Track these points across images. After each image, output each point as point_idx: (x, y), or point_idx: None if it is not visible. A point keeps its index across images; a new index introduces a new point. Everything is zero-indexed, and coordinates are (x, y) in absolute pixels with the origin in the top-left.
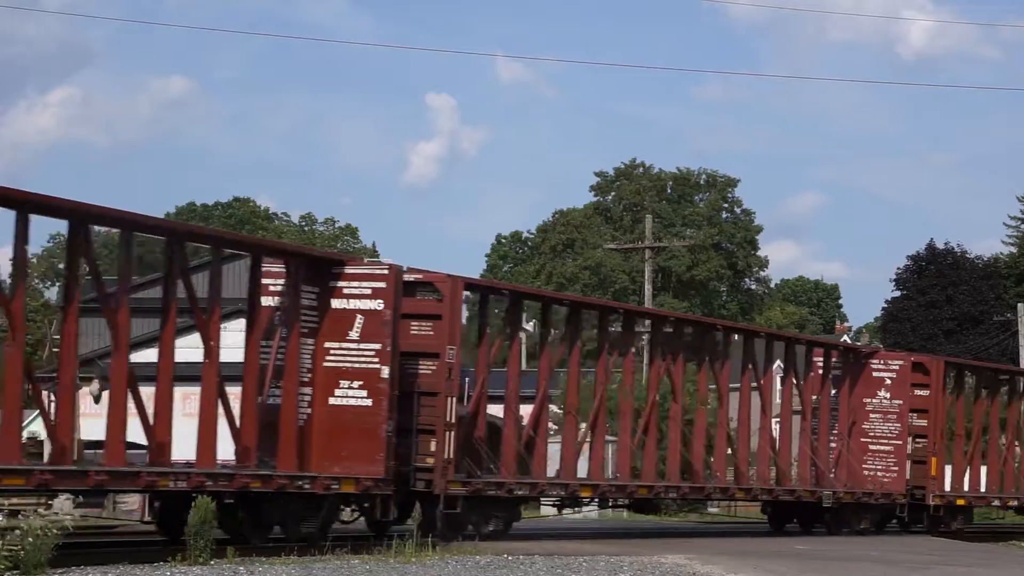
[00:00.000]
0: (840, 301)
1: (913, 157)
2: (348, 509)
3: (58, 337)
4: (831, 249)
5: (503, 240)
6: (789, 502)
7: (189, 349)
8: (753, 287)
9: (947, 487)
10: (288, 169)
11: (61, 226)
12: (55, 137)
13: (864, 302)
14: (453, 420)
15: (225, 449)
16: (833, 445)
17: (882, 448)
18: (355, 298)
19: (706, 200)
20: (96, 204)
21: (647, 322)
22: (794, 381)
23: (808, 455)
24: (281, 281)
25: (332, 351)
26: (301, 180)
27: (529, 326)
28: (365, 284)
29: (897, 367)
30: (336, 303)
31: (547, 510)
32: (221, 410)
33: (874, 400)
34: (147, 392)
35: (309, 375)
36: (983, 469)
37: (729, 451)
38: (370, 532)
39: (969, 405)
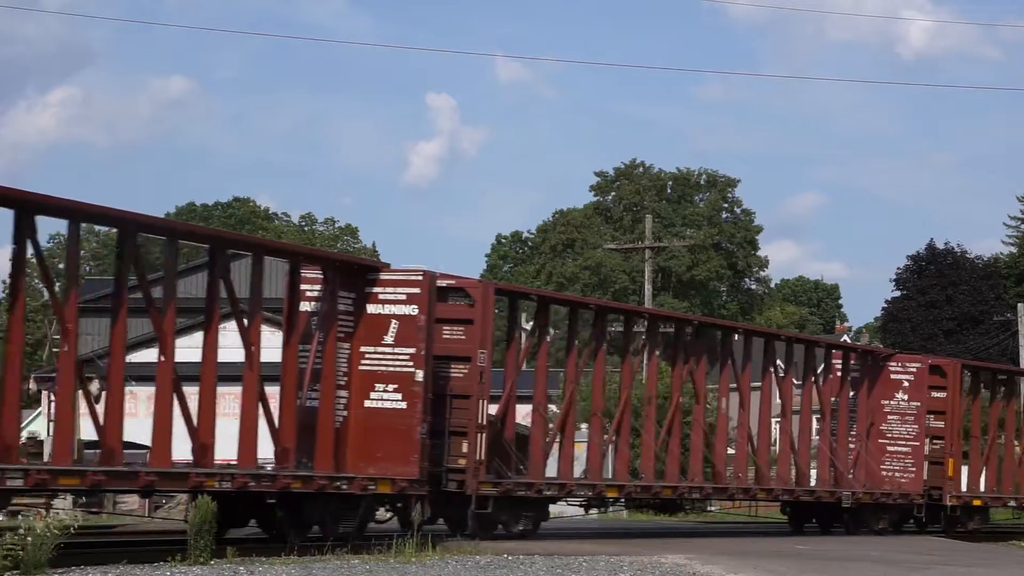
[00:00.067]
0: (840, 301)
1: (913, 157)
2: (382, 509)
3: (58, 337)
4: (831, 249)
5: (503, 240)
6: (808, 502)
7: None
8: (753, 287)
9: (963, 488)
10: (288, 169)
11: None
12: (55, 137)
13: (864, 302)
14: (484, 422)
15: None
16: (852, 446)
17: (900, 449)
18: (390, 303)
19: (706, 200)
20: (145, 214)
21: (670, 325)
22: (813, 383)
23: (827, 456)
24: (318, 287)
25: (367, 355)
26: (301, 180)
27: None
28: (400, 290)
29: (915, 369)
30: (371, 308)
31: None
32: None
33: (892, 402)
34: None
35: (345, 378)
36: (1000, 469)
37: (750, 451)
38: (403, 531)
39: (985, 407)
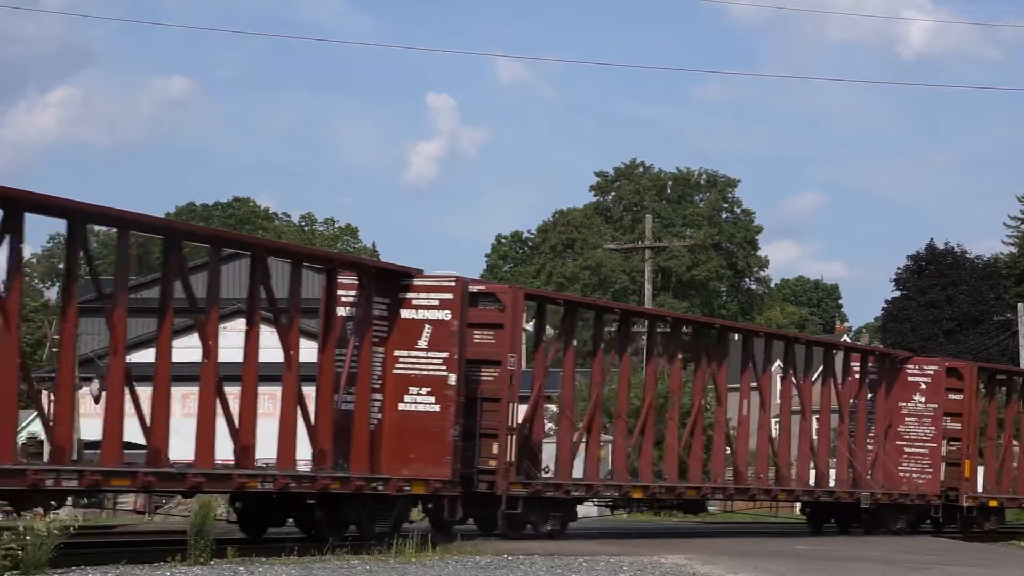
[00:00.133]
0: (840, 301)
1: (913, 157)
2: (415, 509)
3: (58, 337)
4: (831, 249)
5: (503, 240)
6: (828, 503)
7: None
8: (753, 287)
9: (980, 488)
10: (288, 169)
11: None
12: (55, 137)
13: (864, 302)
14: (514, 424)
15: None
16: (870, 447)
17: (917, 451)
18: (423, 308)
19: (706, 200)
20: (187, 223)
21: (691, 328)
22: (833, 385)
23: (846, 457)
24: (353, 292)
25: (401, 359)
26: (301, 180)
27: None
28: (433, 295)
29: (932, 372)
30: (405, 313)
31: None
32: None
33: (909, 404)
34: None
35: (380, 382)
36: (1015, 470)
37: (770, 452)
38: (436, 532)
39: (1001, 409)
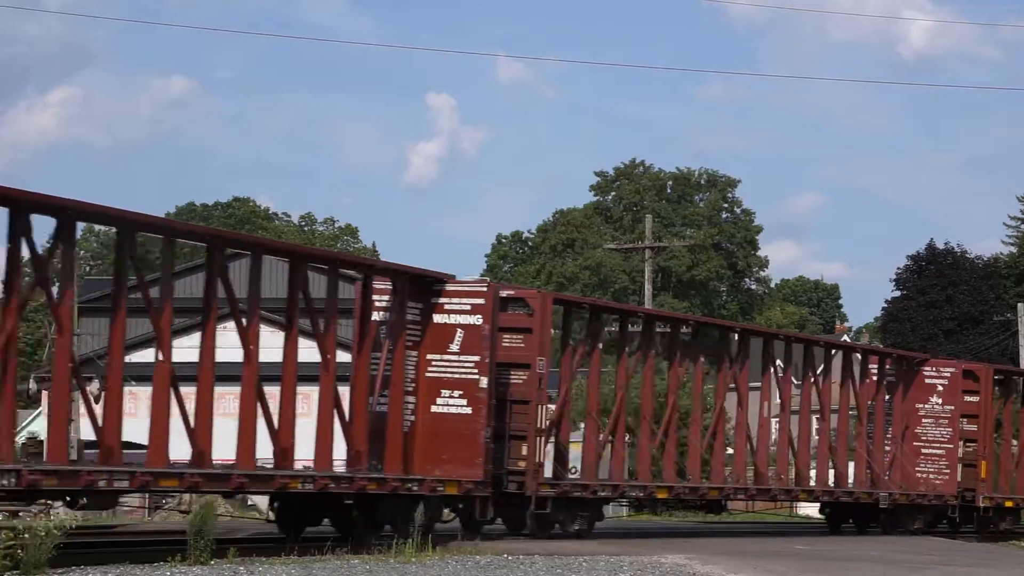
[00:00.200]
0: (840, 301)
1: (913, 157)
2: (447, 510)
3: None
4: (831, 249)
5: (503, 240)
6: (847, 503)
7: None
8: (753, 287)
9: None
10: (288, 169)
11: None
12: (55, 137)
13: (864, 302)
14: (543, 426)
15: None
16: (887, 448)
17: (934, 452)
18: (455, 313)
19: (706, 200)
20: (229, 230)
21: (714, 332)
22: (851, 387)
23: (865, 458)
24: (386, 298)
25: (434, 362)
26: (301, 180)
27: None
28: (465, 300)
29: (948, 374)
30: (438, 318)
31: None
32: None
33: (926, 406)
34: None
35: (413, 385)
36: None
37: (790, 453)
38: (467, 531)
39: (1016, 410)
